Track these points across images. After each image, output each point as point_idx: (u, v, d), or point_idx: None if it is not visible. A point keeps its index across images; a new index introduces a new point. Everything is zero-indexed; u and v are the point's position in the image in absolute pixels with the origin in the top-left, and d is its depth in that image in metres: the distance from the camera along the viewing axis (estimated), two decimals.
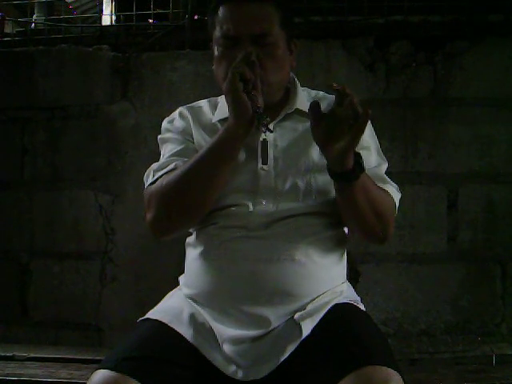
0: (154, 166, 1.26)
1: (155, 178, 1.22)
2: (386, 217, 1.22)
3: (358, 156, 1.10)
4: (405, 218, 2.32)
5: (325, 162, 1.16)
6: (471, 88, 2.37)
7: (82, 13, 4.15)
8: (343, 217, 1.22)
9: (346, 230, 1.30)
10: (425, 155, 2.37)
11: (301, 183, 1.20)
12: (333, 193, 1.21)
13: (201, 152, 1.18)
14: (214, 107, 1.33)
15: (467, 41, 2.38)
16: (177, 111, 1.36)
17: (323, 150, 1.10)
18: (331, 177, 1.13)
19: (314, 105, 1.06)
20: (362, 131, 1.04)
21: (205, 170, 1.16)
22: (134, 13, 2.73)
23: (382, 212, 1.20)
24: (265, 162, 1.17)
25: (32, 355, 2.19)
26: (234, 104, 1.13)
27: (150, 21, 2.77)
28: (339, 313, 1.17)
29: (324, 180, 1.21)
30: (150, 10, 2.77)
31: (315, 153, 1.23)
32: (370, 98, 2.39)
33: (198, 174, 1.16)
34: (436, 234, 2.35)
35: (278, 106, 1.27)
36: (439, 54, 2.39)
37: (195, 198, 1.17)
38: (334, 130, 1.05)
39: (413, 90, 2.40)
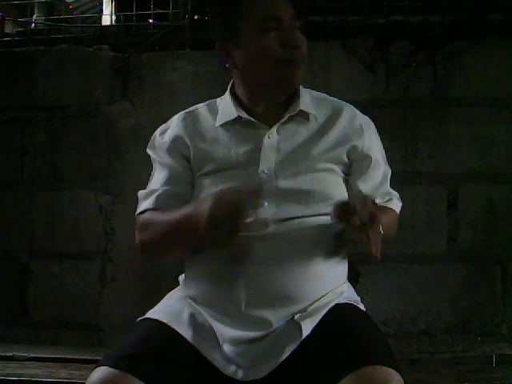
0: (142, 194, 1.32)
1: (140, 210, 1.30)
2: (391, 235, 1.30)
3: None
4: (405, 218, 2.31)
5: (328, 163, 1.23)
6: (471, 88, 2.37)
7: (82, 13, 4.15)
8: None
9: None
10: (425, 155, 2.37)
11: (302, 186, 1.21)
12: (334, 195, 1.22)
13: (172, 222, 1.21)
14: (213, 111, 1.32)
15: (467, 41, 2.37)
16: (172, 121, 1.35)
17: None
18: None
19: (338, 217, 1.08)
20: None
21: (176, 241, 1.23)
22: (134, 13, 2.73)
23: (388, 235, 1.26)
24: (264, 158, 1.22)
25: (32, 355, 2.18)
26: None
27: (150, 21, 2.77)
28: (339, 313, 1.17)
29: (325, 183, 1.21)
30: (149, 10, 2.76)
31: (317, 156, 1.23)
32: (370, 98, 2.39)
33: (170, 242, 1.24)
34: (436, 234, 2.35)
35: (282, 107, 1.27)
36: (439, 54, 2.39)
37: (171, 252, 1.31)
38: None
39: (413, 90, 2.39)
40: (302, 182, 1.21)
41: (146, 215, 1.28)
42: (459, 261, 2.33)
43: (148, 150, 1.35)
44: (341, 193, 1.26)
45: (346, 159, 1.28)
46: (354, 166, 1.30)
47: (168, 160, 1.30)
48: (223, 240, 1.08)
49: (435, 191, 2.36)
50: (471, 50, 2.37)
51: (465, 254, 2.34)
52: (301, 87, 1.31)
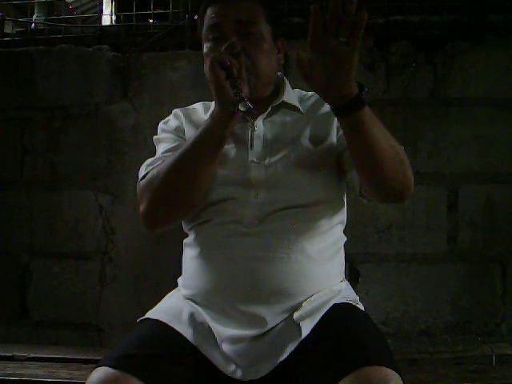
0: (148, 161, 1.29)
1: (147, 171, 1.24)
2: (405, 158, 1.14)
3: (359, 83, 1.09)
4: (405, 218, 2.32)
5: (315, 150, 1.21)
6: (471, 88, 2.37)
7: (82, 13, 4.16)
8: (361, 166, 1.14)
9: (342, 225, 1.31)
10: (425, 155, 2.37)
11: (292, 174, 1.21)
12: (324, 181, 1.22)
13: (188, 141, 1.20)
14: (207, 108, 1.36)
15: (467, 41, 2.37)
16: (172, 114, 1.40)
17: (326, 87, 1.03)
18: (339, 116, 1.07)
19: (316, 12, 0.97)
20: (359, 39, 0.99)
21: (191, 158, 1.17)
22: (134, 13, 2.73)
23: (399, 151, 1.13)
24: (252, 148, 1.19)
25: (32, 355, 2.18)
26: (215, 91, 1.14)
27: (150, 21, 2.77)
28: (338, 313, 1.17)
29: (316, 169, 1.22)
30: (150, 10, 2.76)
31: (305, 142, 1.24)
32: (370, 98, 2.38)
33: (184, 163, 1.17)
34: (436, 234, 2.35)
35: (266, 102, 1.29)
36: (439, 53, 2.38)
37: (183, 187, 1.17)
38: (331, 54, 1.00)
39: (413, 89, 2.39)
40: (291, 170, 1.21)
41: (152, 171, 1.22)
42: (459, 261, 2.33)
43: (155, 138, 1.37)
44: (332, 179, 1.25)
45: (334, 141, 1.26)
46: (342, 143, 1.25)
47: (175, 136, 1.32)
48: (224, 83, 1.10)
49: (435, 191, 2.36)
50: (471, 50, 2.37)
51: (465, 254, 2.34)
52: (287, 84, 1.34)
